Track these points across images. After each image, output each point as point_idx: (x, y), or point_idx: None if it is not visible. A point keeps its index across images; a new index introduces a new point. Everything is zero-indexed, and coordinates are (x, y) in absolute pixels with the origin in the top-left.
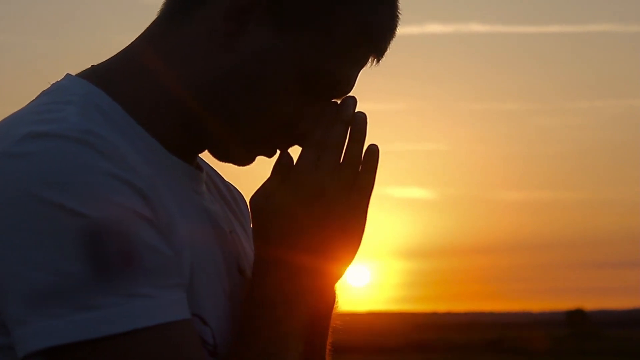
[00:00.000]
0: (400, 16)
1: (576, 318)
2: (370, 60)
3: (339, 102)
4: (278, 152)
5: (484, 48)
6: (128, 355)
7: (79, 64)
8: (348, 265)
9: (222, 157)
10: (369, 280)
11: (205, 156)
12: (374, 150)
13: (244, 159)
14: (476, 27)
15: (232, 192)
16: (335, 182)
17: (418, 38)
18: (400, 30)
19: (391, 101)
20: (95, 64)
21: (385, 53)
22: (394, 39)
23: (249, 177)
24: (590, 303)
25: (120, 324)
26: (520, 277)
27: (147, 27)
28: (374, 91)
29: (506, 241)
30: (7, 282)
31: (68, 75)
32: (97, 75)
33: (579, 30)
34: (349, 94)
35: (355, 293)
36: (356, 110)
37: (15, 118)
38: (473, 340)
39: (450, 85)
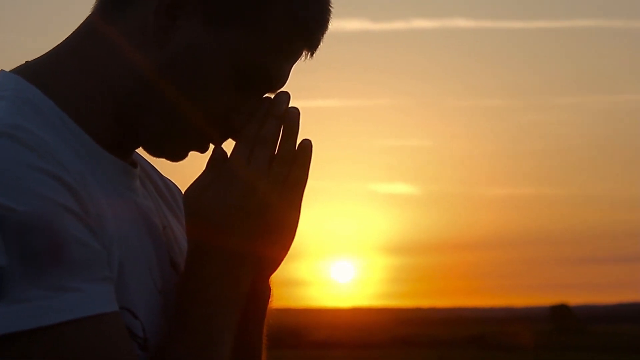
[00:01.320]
0: (332, 9)
1: (560, 313)
2: (303, 54)
3: (272, 97)
4: (211, 147)
5: (469, 43)
6: (56, 348)
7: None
8: (281, 260)
9: (155, 152)
10: (354, 276)
11: (143, 152)
12: (306, 145)
13: (177, 155)
14: (462, 23)
15: (169, 187)
16: (268, 178)
17: (403, 33)
18: (386, 25)
19: (376, 97)
20: (29, 60)
21: (319, 47)
22: (326, 31)
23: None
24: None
25: (48, 317)
26: (505, 272)
27: (82, 23)
28: (358, 87)
29: (490, 237)
30: None
31: (2, 71)
32: (31, 71)
33: (564, 26)
34: (283, 90)
35: (340, 289)
36: (290, 106)
37: None
38: (457, 336)
39: (435, 81)
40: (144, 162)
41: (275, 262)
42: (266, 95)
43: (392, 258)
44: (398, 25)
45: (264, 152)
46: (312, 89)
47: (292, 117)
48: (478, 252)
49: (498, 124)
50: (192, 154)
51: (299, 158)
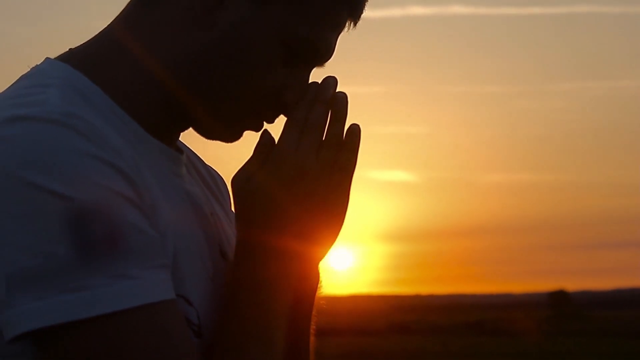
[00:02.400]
0: None
1: (558, 299)
2: (347, 24)
3: (319, 80)
4: (264, 125)
5: (465, 30)
6: (115, 336)
7: (59, 50)
8: (331, 246)
9: (208, 134)
10: (352, 264)
11: (187, 138)
12: (355, 129)
13: (231, 135)
14: (458, 9)
15: (212, 175)
16: (317, 162)
17: (399, 20)
18: (382, 12)
19: (373, 84)
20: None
21: (361, 16)
22: (368, 0)
23: (229, 162)
24: (572, 284)
25: (106, 304)
26: (503, 259)
27: (124, 8)
28: (355, 74)
29: (488, 223)
30: None
31: (47, 59)
32: (76, 58)
33: (560, 12)
34: (330, 75)
35: (338, 276)
36: (337, 90)
37: None
38: (456, 322)
39: (432, 67)
40: (187, 150)
41: (324, 247)
42: (314, 74)
43: (390, 245)
44: (394, 12)
45: (313, 137)
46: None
47: (340, 102)
48: (476, 238)
49: (495, 110)
50: (240, 141)
51: (348, 142)
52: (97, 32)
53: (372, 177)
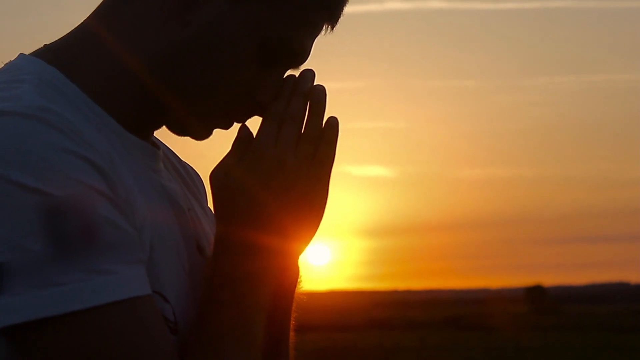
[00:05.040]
0: None
1: (535, 294)
2: (324, 27)
3: (297, 74)
4: (235, 125)
5: (442, 25)
6: (91, 332)
7: (34, 45)
8: (310, 240)
9: (179, 131)
10: (330, 259)
11: (162, 135)
12: (333, 122)
13: (201, 133)
14: (435, 4)
15: (188, 172)
16: (296, 156)
17: (377, 15)
18: (360, 7)
19: (350, 79)
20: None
21: (339, 20)
22: (347, 4)
23: (205, 158)
24: (549, 279)
25: (82, 300)
26: (480, 254)
27: (100, 4)
28: (332, 69)
29: (466, 218)
30: None
31: (21, 54)
32: (51, 53)
33: (536, 7)
34: (307, 67)
35: (316, 272)
36: (315, 83)
37: None
38: (434, 318)
39: (409, 62)
40: (164, 146)
41: (304, 241)
42: (290, 73)
43: (368, 241)
44: (373, 7)
45: (291, 130)
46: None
47: (319, 95)
48: (454, 233)
49: (472, 105)
50: (215, 136)
51: (326, 135)
52: (72, 28)
53: (350, 172)
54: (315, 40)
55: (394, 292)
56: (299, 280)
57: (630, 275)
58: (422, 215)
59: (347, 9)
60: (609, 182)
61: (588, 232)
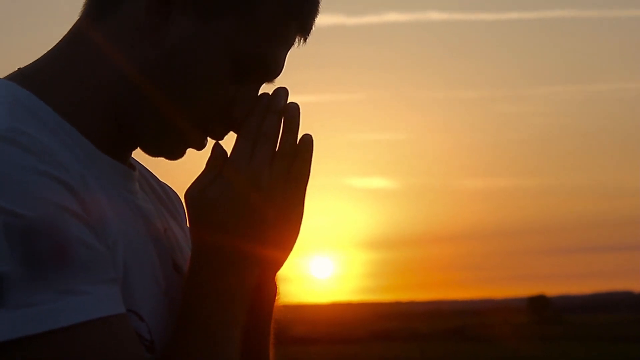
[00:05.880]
0: None
1: (538, 304)
2: (297, 40)
3: (271, 89)
4: (208, 144)
5: (443, 36)
6: (65, 351)
7: (23, 59)
8: (286, 255)
9: (153, 151)
10: (333, 272)
11: (140, 156)
12: (308, 139)
13: (175, 153)
14: (435, 15)
15: (166, 191)
16: (271, 173)
17: (377, 27)
18: (359, 19)
19: (351, 91)
20: (22, 66)
21: (311, 31)
22: (317, 16)
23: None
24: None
25: (55, 320)
26: (483, 264)
27: (73, 25)
28: (334, 82)
29: (468, 229)
30: None
31: None
32: (24, 76)
33: (537, 17)
34: (281, 86)
35: (319, 284)
36: (289, 101)
37: None
38: (437, 329)
39: (410, 74)
40: (141, 167)
41: (280, 258)
42: (263, 89)
43: (370, 253)
44: (372, 19)
45: (266, 148)
46: (285, 85)
47: (292, 112)
48: (456, 244)
49: (474, 115)
50: (189, 155)
51: (301, 152)
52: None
53: (351, 184)
54: (289, 52)
55: (397, 304)
56: (276, 296)
57: (634, 284)
58: (424, 226)
59: (347, 22)
60: (613, 192)
61: (592, 242)
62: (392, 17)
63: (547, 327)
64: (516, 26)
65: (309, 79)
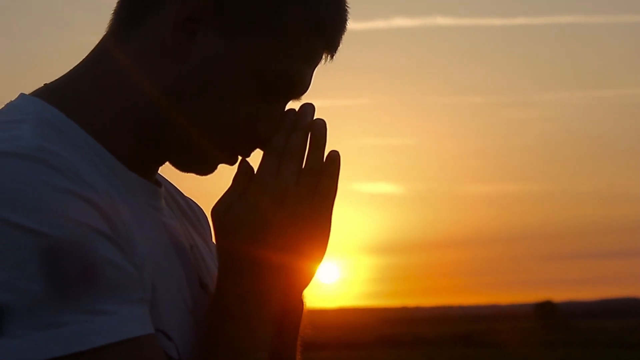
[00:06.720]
0: (349, 9)
1: (545, 310)
2: (324, 57)
3: (297, 107)
4: (239, 159)
5: (450, 41)
6: None
7: (43, 66)
8: (313, 272)
9: (183, 167)
10: (339, 277)
11: (165, 171)
12: (334, 156)
13: (205, 168)
14: (442, 20)
15: (192, 208)
16: (297, 190)
17: (384, 32)
18: (367, 24)
19: (358, 96)
20: (48, 82)
21: (338, 48)
22: (345, 33)
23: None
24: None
25: (83, 341)
26: (489, 270)
27: (99, 42)
28: (341, 87)
29: (475, 235)
30: None
31: (22, 94)
32: (50, 93)
33: (544, 22)
34: (307, 102)
35: (325, 290)
36: (315, 117)
37: None
38: (443, 334)
39: (417, 79)
40: (166, 183)
41: (307, 276)
42: (290, 105)
43: (377, 258)
44: (379, 24)
45: (292, 165)
46: None
47: (319, 128)
48: (463, 250)
49: (480, 121)
50: (215, 171)
51: (328, 169)
52: (82, 48)
53: (358, 189)
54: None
55: (403, 309)
56: (303, 315)
57: None
58: (431, 231)
59: (354, 27)
60: (621, 197)
61: (598, 247)
62: (399, 22)
63: (554, 332)
64: (523, 31)
65: (315, 84)
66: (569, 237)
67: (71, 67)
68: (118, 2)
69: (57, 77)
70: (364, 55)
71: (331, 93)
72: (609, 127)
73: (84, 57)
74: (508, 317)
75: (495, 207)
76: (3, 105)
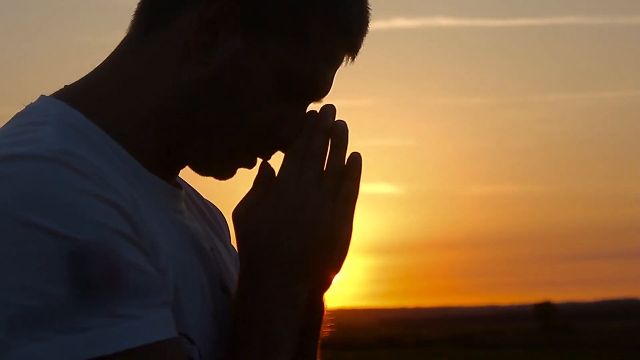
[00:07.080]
0: (370, 11)
1: (544, 311)
2: (345, 59)
3: (318, 109)
4: (258, 162)
5: (450, 42)
6: None
7: (47, 65)
8: (335, 275)
9: (203, 171)
10: (338, 277)
11: (185, 174)
12: (356, 158)
13: (225, 173)
14: (442, 21)
15: (211, 210)
16: (319, 192)
17: (385, 33)
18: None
19: (358, 97)
20: (68, 84)
21: (360, 50)
22: (366, 35)
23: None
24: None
25: (107, 345)
26: (489, 271)
27: (120, 43)
28: (340, 88)
29: (474, 235)
30: None
31: (42, 96)
32: (71, 94)
33: (544, 24)
34: (328, 103)
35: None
36: (336, 119)
37: None
38: (442, 335)
39: (416, 80)
40: (186, 186)
41: (329, 278)
42: (311, 107)
43: (375, 258)
44: (379, 24)
45: (314, 167)
46: None
47: (340, 130)
48: (462, 251)
49: (480, 122)
50: (236, 173)
51: (349, 171)
52: (83, 48)
53: None
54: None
55: (403, 310)
56: (324, 317)
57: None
58: (430, 232)
59: None
60: (620, 199)
61: (597, 249)
62: (400, 23)
63: (553, 333)
64: (522, 33)
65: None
66: (567, 238)
67: (74, 67)
68: (139, 3)
69: (57, 77)
70: (363, 57)
71: (330, 94)
72: (608, 128)
73: (86, 57)
74: (507, 318)
75: (494, 208)
76: (23, 108)
